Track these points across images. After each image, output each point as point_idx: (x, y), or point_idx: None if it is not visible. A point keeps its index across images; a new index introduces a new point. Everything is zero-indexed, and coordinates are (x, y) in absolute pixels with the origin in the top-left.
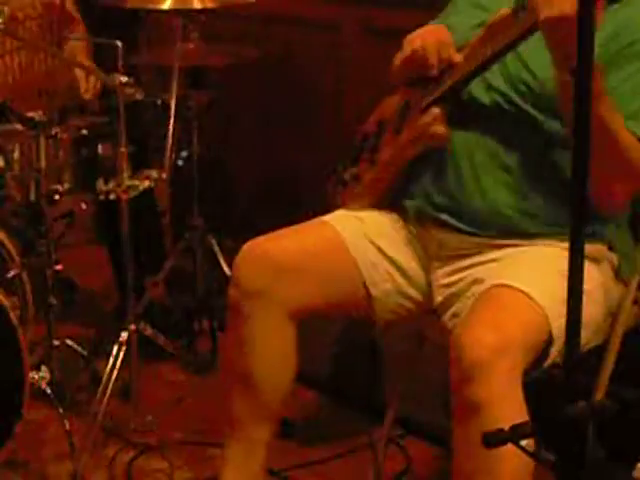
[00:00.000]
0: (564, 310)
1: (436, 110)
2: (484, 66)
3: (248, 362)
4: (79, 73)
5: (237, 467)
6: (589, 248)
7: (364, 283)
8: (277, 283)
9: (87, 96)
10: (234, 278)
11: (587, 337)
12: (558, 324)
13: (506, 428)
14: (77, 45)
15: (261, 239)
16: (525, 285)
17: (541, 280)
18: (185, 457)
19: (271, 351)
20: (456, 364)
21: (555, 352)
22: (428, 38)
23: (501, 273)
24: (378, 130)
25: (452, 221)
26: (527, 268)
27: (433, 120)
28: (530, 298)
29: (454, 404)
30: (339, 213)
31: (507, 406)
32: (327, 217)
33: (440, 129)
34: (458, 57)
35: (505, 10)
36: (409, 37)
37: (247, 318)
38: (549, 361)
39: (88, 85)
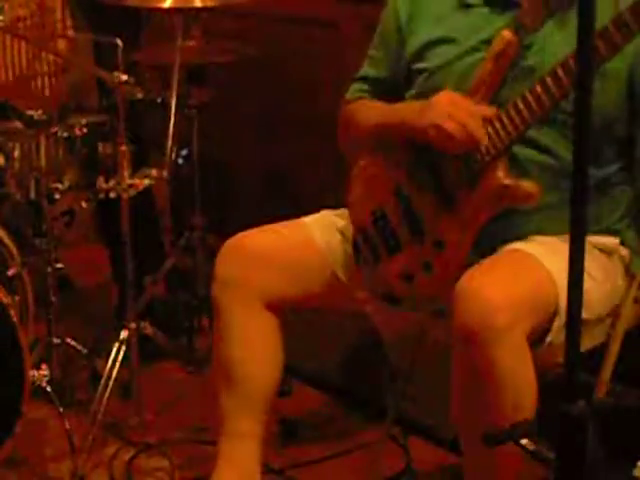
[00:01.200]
0: None
1: (502, 170)
2: (546, 113)
3: (228, 352)
4: None
5: (229, 463)
6: (602, 240)
7: (337, 278)
8: (252, 273)
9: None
10: (214, 273)
11: (593, 315)
12: (564, 297)
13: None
14: (65, 43)
15: (240, 235)
16: (536, 251)
17: (553, 252)
18: (185, 455)
19: (251, 341)
20: (458, 320)
21: (557, 326)
22: (456, 113)
23: (515, 243)
24: (398, 202)
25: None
26: (541, 241)
27: (505, 179)
28: (540, 262)
29: (455, 363)
30: (319, 216)
31: (512, 362)
32: (307, 218)
33: (531, 186)
34: (489, 110)
35: (507, 33)
36: (428, 120)
37: (226, 309)
38: (551, 336)
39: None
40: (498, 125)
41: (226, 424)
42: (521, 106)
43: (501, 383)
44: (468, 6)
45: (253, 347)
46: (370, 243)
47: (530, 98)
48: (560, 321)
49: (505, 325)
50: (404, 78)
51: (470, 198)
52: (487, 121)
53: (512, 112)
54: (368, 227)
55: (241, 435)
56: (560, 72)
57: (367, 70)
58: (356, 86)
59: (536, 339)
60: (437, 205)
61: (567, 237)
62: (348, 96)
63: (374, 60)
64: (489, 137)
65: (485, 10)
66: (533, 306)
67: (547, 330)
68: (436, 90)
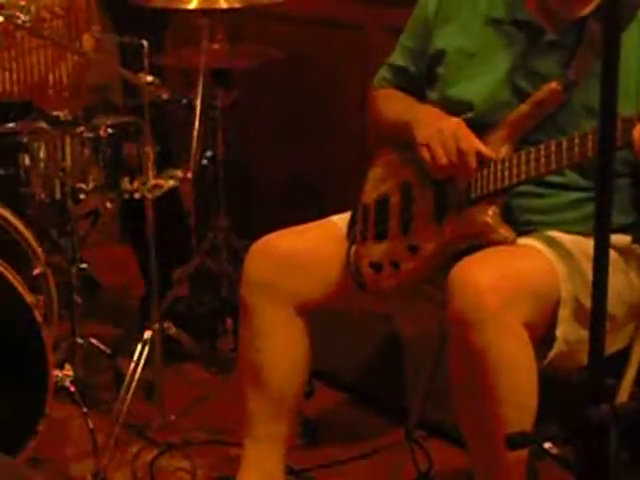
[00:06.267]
0: (576, 277)
1: (493, 210)
2: (565, 168)
3: (258, 356)
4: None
5: (255, 466)
6: (612, 238)
7: None
8: (282, 277)
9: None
10: (243, 275)
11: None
12: (568, 287)
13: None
14: (89, 40)
15: (269, 237)
16: (538, 243)
17: (556, 244)
18: (207, 456)
19: (280, 345)
20: (451, 304)
21: (564, 317)
22: (451, 145)
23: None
24: (402, 196)
25: None
26: (547, 235)
27: (492, 221)
28: (540, 252)
29: (451, 350)
30: (348, 214)
31: (507, 347)
32: (336, 217)
33: (508, 235)
34: (488, 152)
35: (555, 85)
36: (425, 137)
37: (255, 312)
38: (561, 330)
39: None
40: (507, 164)
41: (252, 427)
42: (532, 156)
43: (496, 366)
44: (496, 21)
45: (283, 352)
46: (365, 222)
47: (542, 152)
48: (565, 312)
49: (497, 306)
50: (426, 77)
51: (456, 221)
52: (487, 161)
53: (522, 158)
54: (370, 206)
55: (267, 438)
56: (577, 141)
57: (395, 57)
58: (382, 73)
59: (544, 332)
60: (430, 213)
61: (576, 237)
62: (375, 82)
63: (403, 48)
64: (492, 175)
65: (512, 29)
66: (529, 290)
67: (554, 323)
68: (454, 103)
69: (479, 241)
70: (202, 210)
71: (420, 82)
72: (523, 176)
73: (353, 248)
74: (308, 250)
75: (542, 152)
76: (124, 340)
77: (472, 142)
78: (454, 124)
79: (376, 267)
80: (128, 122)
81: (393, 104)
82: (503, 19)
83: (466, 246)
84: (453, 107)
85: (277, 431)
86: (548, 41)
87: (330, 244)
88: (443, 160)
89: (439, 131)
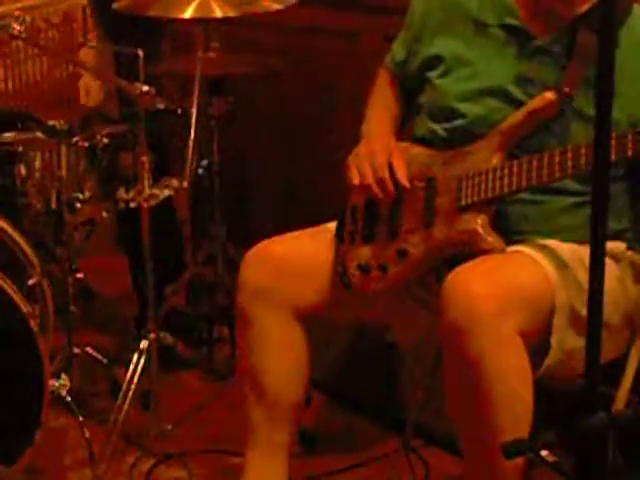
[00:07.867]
0: (571, 285)
1: (482, 218)
2: (557, 180)
3: (259, 363)
4: (82, 81)
5: (257, 474)
6: (608, 245)
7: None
8: (278, 283)
9: (90, 104)
10: (240, 282)
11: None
12: (563, 295)
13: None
14: (88, 52)
15: (264, 243)
16: (533, 251)
17: (551, 252)
18: (205, 466)
19: (278, 350)
20: (445, 313)
21: (558, 325)
22: (364, 166)
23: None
24: (395, 199)
25: None
26: (543, 243)
27: (481, 229)
28: (534, 260)
29: (446, 358)
30: None
31: (502, 356)
32: (331, 224)
33: (497, 243)
34: (403, 179)
35: (551, 94)
36: (351, 156)
37: (252, 318)
38: (556, 337)
39: (89, 94)
40: (498, 174)
41: (255, 435)
42: (524, 167)
43: (491, 374)
44: (484, 25)
45: (283, 358)
46: (354, 224)
47: (535, 164)
48: (560, 320)
49: (491, 314)
50: (416, 80)
51: (445, 228)
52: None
53: (514, 169)
54: (360, 208)
55: (270, 446)
56: (570, 155)
57: (395, 45)
58: (389, 57)
59: (539, 341)
60: (420, 218)
61: (571, 245)
62: (385, 61)
63: (400, 39)
64: (483, 183)
65: (502, 34)
66: (524, 298)
67: (549, 331)
68: (445, 109)
69: (467, 249)
70: (198, 219)
71: (409, 79)
72: (514, 186)
73: (341, 249)
74: (304, 256)
75: (534, 164)
76: (120, 349)
77: (384, 169)
78: (375, 147)
79: (364, 269)
80: (124, 132)
81: (375, 99)
82: (493, 24)
83: (455, 253)
84: (444, 113)
85: (280, 439)
86: (537, 47)
87: (325, 250)
88: (355, 180)
89: (362, 151)
